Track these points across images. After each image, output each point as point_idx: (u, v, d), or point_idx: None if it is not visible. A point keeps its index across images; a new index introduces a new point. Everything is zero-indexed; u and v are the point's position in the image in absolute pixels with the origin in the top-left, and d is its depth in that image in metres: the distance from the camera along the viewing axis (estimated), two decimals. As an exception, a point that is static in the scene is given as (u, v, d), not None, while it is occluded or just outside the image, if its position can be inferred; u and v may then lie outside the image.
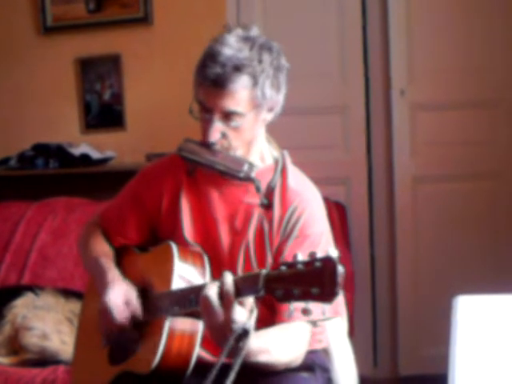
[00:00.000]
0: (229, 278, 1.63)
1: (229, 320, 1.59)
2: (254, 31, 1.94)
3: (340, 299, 1.99)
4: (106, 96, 4.24)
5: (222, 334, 1.60)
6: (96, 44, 4.19)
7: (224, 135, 1.91)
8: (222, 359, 1.42)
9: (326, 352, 2.13)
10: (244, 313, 1.60)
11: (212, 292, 1.63)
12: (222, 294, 1.62)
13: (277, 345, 1.79)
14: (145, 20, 4.13)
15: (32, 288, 3.24)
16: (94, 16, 4.19)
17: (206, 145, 1.92)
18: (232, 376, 1.40)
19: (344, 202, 3.89)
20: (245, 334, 1.48)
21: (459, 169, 3.88)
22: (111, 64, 4.22)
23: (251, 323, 1.51)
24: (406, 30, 3.86)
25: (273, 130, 2.14)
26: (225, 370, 1.42)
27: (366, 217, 4.00)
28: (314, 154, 3.91)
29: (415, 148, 3.91)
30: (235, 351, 1.46)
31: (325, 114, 4.01)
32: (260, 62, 1.87)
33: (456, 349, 1.60)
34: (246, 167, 1.91)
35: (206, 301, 1.63)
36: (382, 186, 3.99)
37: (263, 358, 1.74)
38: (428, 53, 3.86)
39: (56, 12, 4.22)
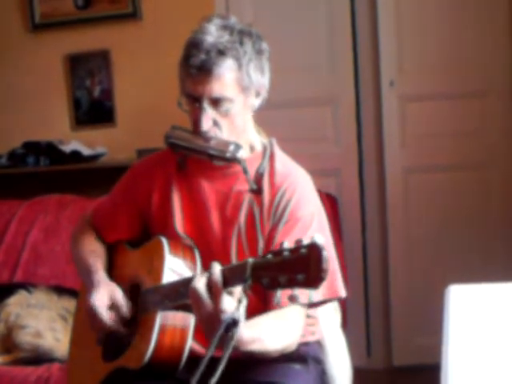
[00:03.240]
0: (216, 269, 1.63)
1: (218, 310, 1.59)
2: (233, 19, 1.96)
3: (336, 279, 1.97)
4: (96, 92, 4.24)
5: (212, 326, 1.60)
6: (85, 40, 4.18)
7: (215, 123, 1.92)
8: (212, 350, 1.42)
9: (319, 344, 2.14)
10: (233, 302, 1.61)
11: (200, 284, 1.63)
12: (211, 285, 1.62)
13: (269, 333, 1.79)
14: (133, 15, 4.12)
15: (25, 286, 3.23)
16: (83, 12, 4.19)
17: (198, 133, 1.92)
18: (222, 366, 1.40)
19: (335, 193, 3.89)
20: (234, 323, 1.48)
21: (449, 159, 3.88)
22: (101, 60, 4.21)
23: (240, 313, 1.51)
24: (395, 20, 3.85)
25: (263, 122, 2.14)
26: (216, 361, 1.42)
27: (358, 208, 4.01)
28: (305, 147, 3.91)
29: (405, 139, 3.91)
30: (225, 342, 1.46)
31: (315, 106, 4.02)
32: (242, 44, 1.89)
33: (449, 338, 1.61)
34: (231, 147, 1.91)
35: (195, 292, 1.63)
36: (372, 177, 3.99)
37: (256, 346, 1.74)
38: (417, 43, 3.86)
39: (44, 9, 4.21)
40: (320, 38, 3.97)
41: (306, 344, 2.00)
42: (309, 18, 3.96)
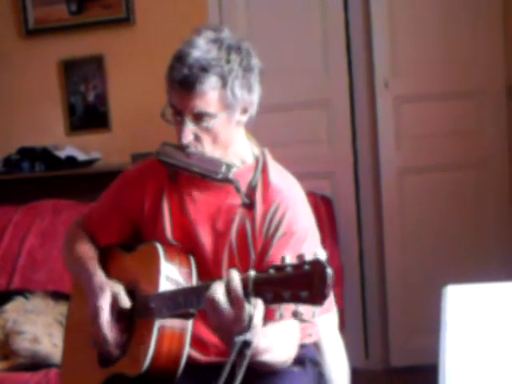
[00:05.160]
0: (236, 277, 1.57)
1: (239, 318, 1.55)
2: (225, 33, 1.92)
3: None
4: (90, 97, 4.24)
5: (230, 334, 1.56)
6: (79, 45, 4.18)
7: (197, 137, 1.90)
8: (228, 367, 1.40)
9: (316, 346, 2.13)
10: (252, 310, 1.57)
11: (219, 292, 1.58)
12: (230, 293, 1.56)
13: (278, 344, 1.77)
14: (127, 20, 4.12)
15: (22, 292, 3.23)
16: (76, 18, 4.19)
17: (182, 147, 1.91)
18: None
19: (330, 195, 3.89)
20: (247, 345, 1.46)
21: (444, 160, 3.88)
22: (95, 65, 4.21)
23: (253, 333, 1.49)
24: (389, 21, 3.86)
25: (257, 126, 2.13)
26: (216, 370, 1.41)
27: (353, 210, 4.01)
28: (300, 149, 3.92)
29: (400, 140, 3.92)
30: (239, 360, 1.44)
31: (309, 109, 4.02)
32: (228, 61, 1.86)
33: (446, 338, 1.61)
34: (223, 169, 1.89)
35: (214, 301, 1.58)
36: (367, 178, 4.00)
37: (267, 357, 1.72)
38: (411, 44, 3.86)
39: (38, 15, 4.21)
40: (314, 41, 3.97)
41: (303, 346, 1.99)
42: (303, 21, 3.96)
